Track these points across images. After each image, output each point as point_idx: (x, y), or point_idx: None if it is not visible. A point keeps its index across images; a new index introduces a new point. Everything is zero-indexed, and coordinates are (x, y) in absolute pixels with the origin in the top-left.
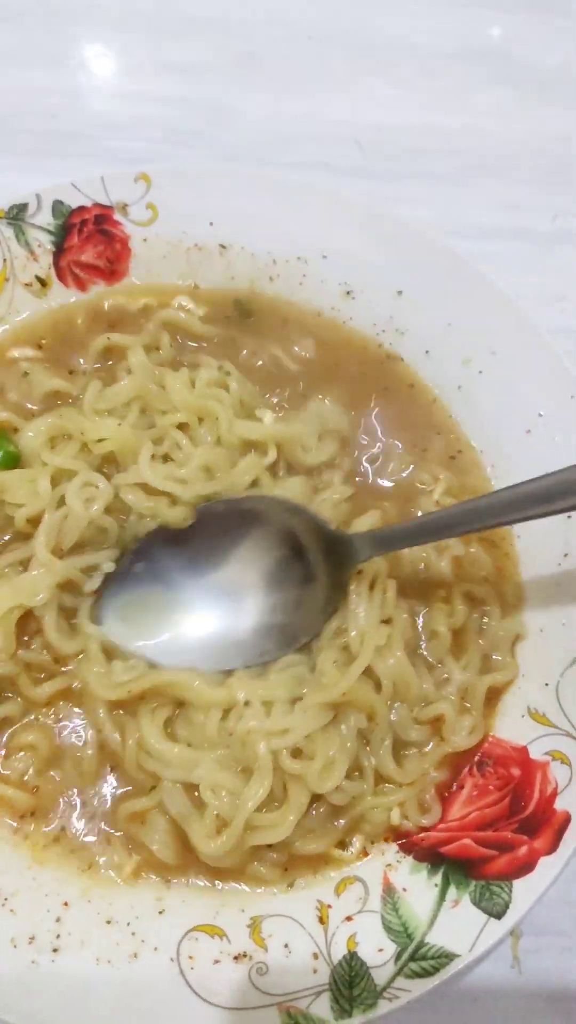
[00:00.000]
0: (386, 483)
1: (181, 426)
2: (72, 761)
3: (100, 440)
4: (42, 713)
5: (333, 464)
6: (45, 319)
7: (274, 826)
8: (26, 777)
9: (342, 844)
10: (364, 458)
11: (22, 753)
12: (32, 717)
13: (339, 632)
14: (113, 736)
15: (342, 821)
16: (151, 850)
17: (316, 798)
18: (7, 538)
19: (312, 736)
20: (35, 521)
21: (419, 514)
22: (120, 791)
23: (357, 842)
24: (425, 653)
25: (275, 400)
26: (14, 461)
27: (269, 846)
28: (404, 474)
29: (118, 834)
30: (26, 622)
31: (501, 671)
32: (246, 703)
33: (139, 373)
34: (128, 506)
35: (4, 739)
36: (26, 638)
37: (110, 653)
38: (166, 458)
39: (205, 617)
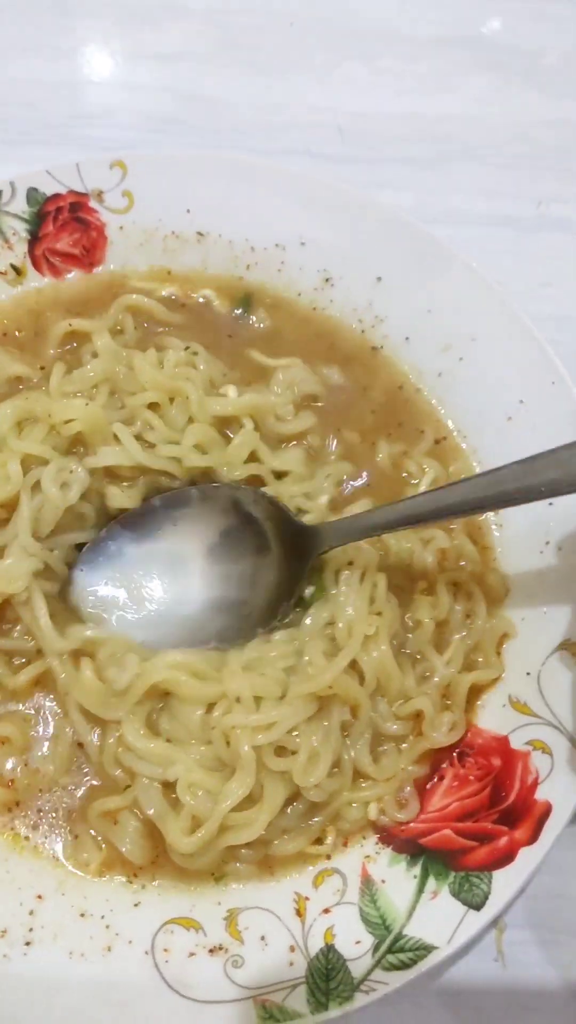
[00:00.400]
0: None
1: (151, 406)
2: (45, 755)
3: (68, 421)
4: (18, 702)
5: (310, 432)
6: (19, 307)
7: (247, 825)
8: (2, 771)
9: (318, 840)
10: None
11: None
12: (7, 707)
13: (328, 623)
14: (91, 738)
15: (317, 818)
16: (120, 851)
17: (292, 797)
18: None
19: (296, 728)
20: (8, 506)
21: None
22: (91, 785)
23: (332, 838)
24: (408, 650)
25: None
26: None
27: (245, 844)
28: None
29: (90, 832)
30: (3, 610)
31: (485, 669)
32: (237, 699)
33: (106, 355)
34: (100, 490)
35: None
36: (6, 626)
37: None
38: (138, 439)
39: (168, 590)
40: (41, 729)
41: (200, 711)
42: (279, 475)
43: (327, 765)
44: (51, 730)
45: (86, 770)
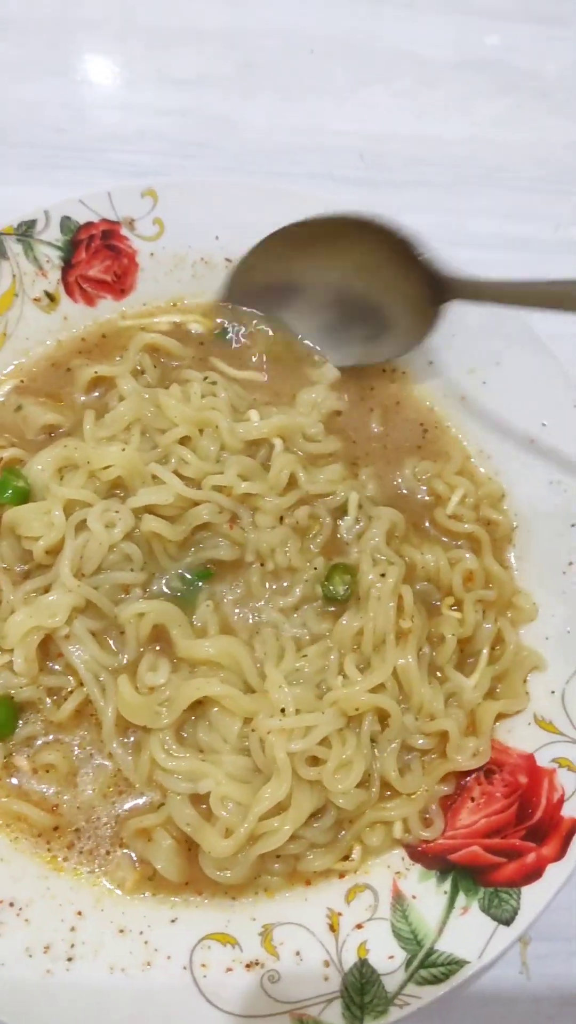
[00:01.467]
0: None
1: (182, 440)
2: (86, 778)
3: (106, 467)
4: (62, 731)
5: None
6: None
7: (274, 832)
8: (47, 795)
9: (346, 857)
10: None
11: (44, 772)
12: (52, 737)
13: (359, 633)
14: (127, 760)
15: (345, 833)
16: (155, 869)
17: (318, 811)
18: (26, 567)
19: (328, 738)
20: (54, 552)
21: None
22: (130, 805)
23: (358, 854)
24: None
25: (256, 398)
26: (24, 496)
27: (276, 856)
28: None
29: (123, 851)
30: (47, 645)
31: (512, 699)
32: (282, 711)
33: (132, 397)
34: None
35: (27, 756)
36: (49, 663)
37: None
38: (175, 474)
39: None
40: (82, 754)
41: (239, 724)
42: None
43: (358, 774)
44: (92, 754)
45: (123, 792)
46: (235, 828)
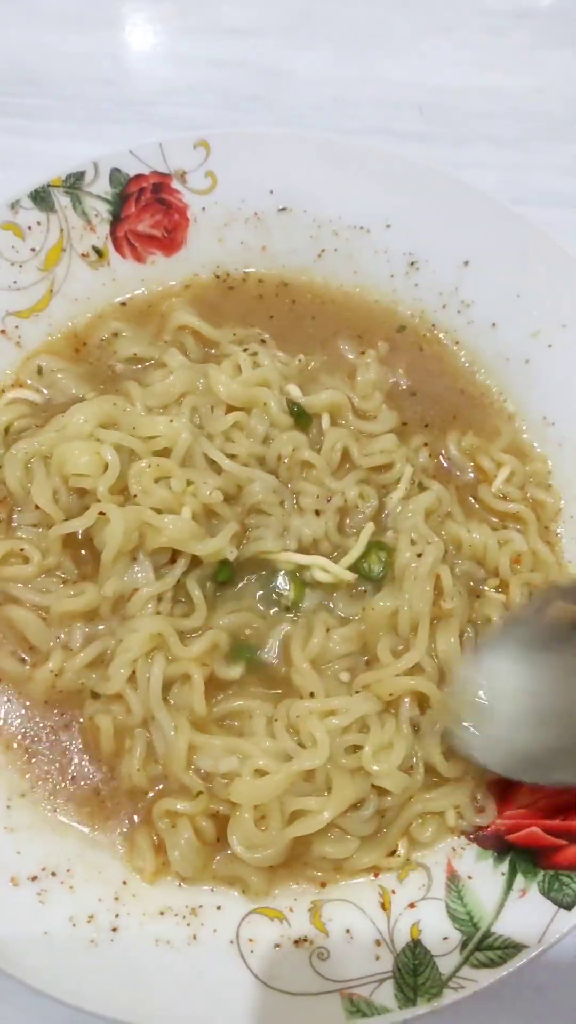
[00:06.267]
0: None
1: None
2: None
3: (152, 437)
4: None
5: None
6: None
7: (314, 813)
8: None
9: (392, 853)
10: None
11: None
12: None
13: (394, 613)
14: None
15: (388, 830)
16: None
17: (360, 802)
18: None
19: (365, 720)
20: (116, 491)
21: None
22: (160, 789)
23: (404, 849)
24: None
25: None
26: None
27: (320, 857)
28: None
29: (151, 836)
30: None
31: None
32: (311, 694)
33: (182, 370)
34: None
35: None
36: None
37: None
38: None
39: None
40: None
41: (265, 718)
42: None
43: (399, 756)
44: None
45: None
46: (267, 806)
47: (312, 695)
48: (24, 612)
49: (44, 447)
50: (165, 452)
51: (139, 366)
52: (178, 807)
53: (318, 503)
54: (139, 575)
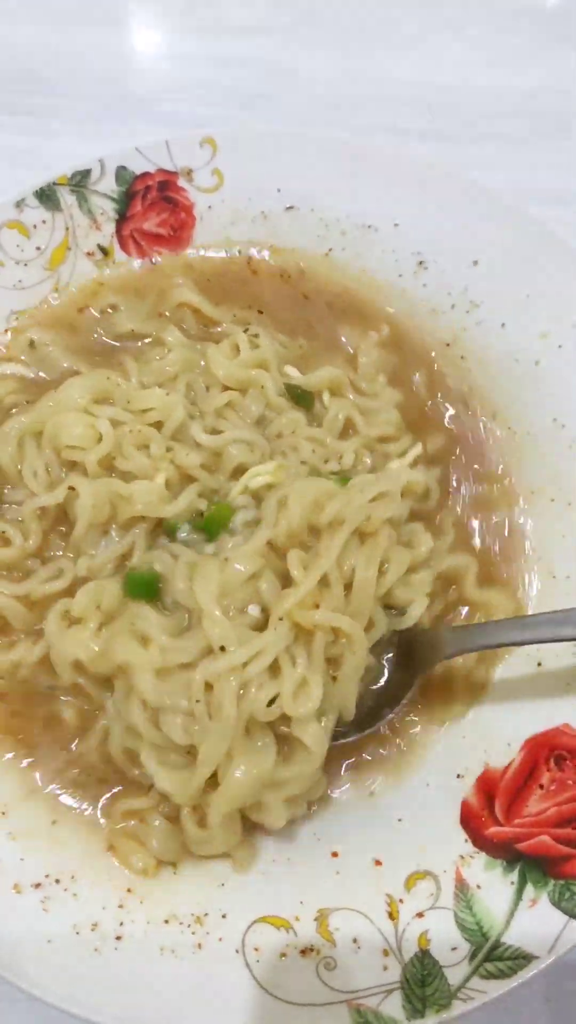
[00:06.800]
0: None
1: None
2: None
3: (147, 410)
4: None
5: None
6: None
7: (296, 779)
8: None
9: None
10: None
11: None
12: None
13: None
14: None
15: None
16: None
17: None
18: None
19: (276, 663)
20: (104, 465)
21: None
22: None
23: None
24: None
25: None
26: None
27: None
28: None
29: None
30: None
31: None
32: (222, 648)
33: (179, 347)
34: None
35: None
36: None
37: None
38: (214, 432)
39: None
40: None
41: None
42: None
43: (318, 690)
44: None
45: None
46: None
47: (223, 649)
48: (4, 599)
49: (38, 422)
50: (158, 425)
51: (137, 343)
52: (135, 805)
53: (313, 458)
54: (111, 549)
